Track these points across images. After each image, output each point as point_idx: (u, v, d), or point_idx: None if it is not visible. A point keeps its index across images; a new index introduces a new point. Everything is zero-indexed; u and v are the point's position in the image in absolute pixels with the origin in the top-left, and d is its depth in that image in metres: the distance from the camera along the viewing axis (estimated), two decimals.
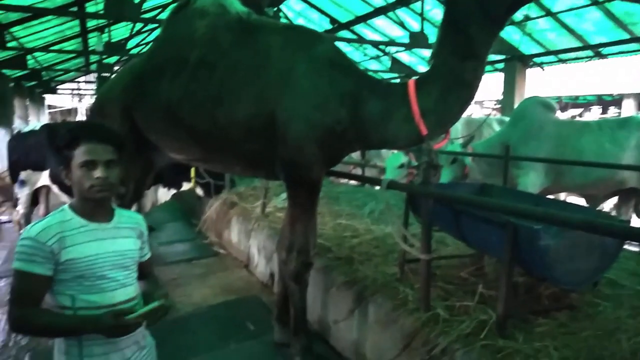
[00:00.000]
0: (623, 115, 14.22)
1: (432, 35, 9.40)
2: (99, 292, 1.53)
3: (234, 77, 2.90)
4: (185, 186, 6.79)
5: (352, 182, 8.64)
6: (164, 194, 6.74)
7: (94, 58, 12.72)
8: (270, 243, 4.80)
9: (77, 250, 1.49)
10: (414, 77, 2.78)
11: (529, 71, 10.40)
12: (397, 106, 2.73)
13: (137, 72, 3.30)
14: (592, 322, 2.40)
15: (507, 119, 7.17)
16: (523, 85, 10.31)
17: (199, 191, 6.81)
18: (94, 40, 10.89)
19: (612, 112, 19.90)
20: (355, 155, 7.35)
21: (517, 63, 10.06)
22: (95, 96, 3.85)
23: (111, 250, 1.57)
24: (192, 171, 6.58)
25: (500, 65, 10.65)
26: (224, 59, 2.98)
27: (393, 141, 2.82)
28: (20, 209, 6.12)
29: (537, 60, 10.18)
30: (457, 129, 6.50)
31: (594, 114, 20.37)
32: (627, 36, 7.86)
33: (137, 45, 13.95)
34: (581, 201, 6.36)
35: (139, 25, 10.43)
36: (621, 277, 2.96)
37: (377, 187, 6.12)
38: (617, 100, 18.35)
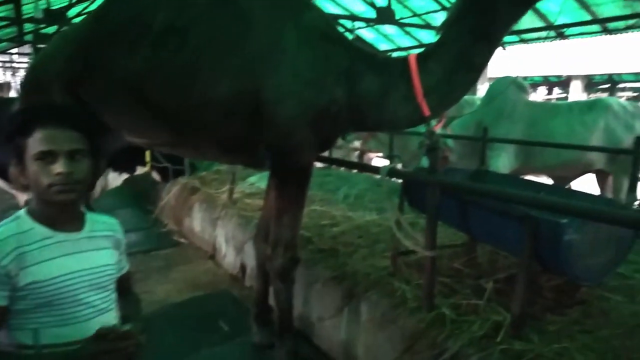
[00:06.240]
0: (575, 98, 14.75)
1: (399, 11, 9.21)
2: (71, 323, 1.17)
3: (210, 46, 2.50)
4: (139, 170, 6.28)
5: (317, 164, 8.35)
6: (115, 179, 6.19)
7: (28, 27, 11.52)
8: (239, 232, 4.45)
9: (41, 270, 1.12)
10: (415, 52, 2.52)
11: None
12: (397, 83, 2.46)
13: (84, 38, 2.73)
14: (608, 319, 2.25)
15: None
16: None
17: (156, 176, 6.31)
18: (28, 7, 9.84)
19: (557, 93, 20.68)
20: None
21: None
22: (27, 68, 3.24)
23: (85, 268, 1.21)
24: (147, 154, 6.07)
25: None
26: (197, 24, 2.54)
27: (392, 122, 2.56)
28: None
29: None
30: None
31: (539, 94, 21.04)
32: (589, 17, 7.89)
33: (79, 15, 12.80)
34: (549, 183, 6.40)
35: None
36: (626, 269, 2.82)
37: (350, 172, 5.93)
38: (563, 82, 18.99)
